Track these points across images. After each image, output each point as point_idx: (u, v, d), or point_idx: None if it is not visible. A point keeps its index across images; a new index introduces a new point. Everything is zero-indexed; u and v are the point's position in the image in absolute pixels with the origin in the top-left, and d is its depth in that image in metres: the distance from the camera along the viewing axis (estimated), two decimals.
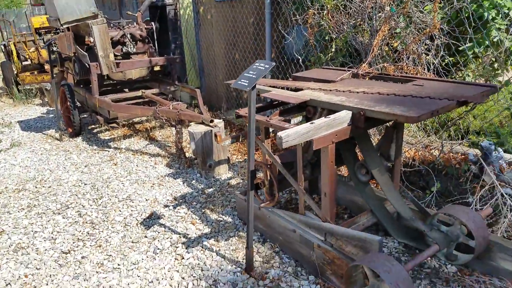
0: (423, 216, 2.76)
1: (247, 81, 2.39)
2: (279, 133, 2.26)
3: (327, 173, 2.54)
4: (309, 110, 2.87)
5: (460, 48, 3.73)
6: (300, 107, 2.97)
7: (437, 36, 3.42)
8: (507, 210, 2.85)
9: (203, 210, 3.77)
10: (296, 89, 3.26)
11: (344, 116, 2.49)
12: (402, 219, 2.81)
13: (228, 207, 3.78)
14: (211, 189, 4.19)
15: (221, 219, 3.59)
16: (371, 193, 2.89)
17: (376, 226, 3.08)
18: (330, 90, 2.94)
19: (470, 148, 3.62)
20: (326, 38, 4.42)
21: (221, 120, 4.53)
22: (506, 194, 2.80)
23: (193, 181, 4.42)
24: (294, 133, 2.29)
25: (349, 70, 3.48)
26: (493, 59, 3.90)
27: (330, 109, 2.74)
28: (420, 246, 2.70)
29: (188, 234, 3.38)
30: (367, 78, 3.30)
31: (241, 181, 4.32)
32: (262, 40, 5.50)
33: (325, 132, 2.42)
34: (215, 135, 3.17)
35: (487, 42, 3.71)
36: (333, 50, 4.17)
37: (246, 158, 4.82)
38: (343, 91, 2.87)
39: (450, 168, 3.33)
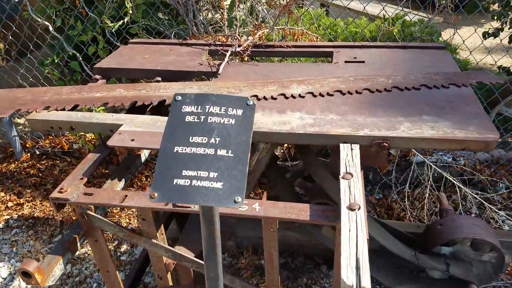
0: (407, 243, 1.99)
1: (217, 174, 0.80)
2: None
3: None
4: None
5: None
6: None
7: None
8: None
9: None
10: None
11: (356, 157, 1.30)
12: (390, 258, 1.97)
13: None
14: None
15: None
16: (333, 236, 1.89)
17: None
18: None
19: None
20: None
21: None
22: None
23: None
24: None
25: (201, 44, 2.09)
26: None
27: (291, 143, 1.47)
28: (423, 286, 1.98)
29: None
30: (246, 57, 2.04)
31: None
32: None
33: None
34: (24, 274, 1.25)
35: None
36: (130, 7, 2.48)
37: None
38: (274, 98, 1.58)
39: None
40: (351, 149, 1.30)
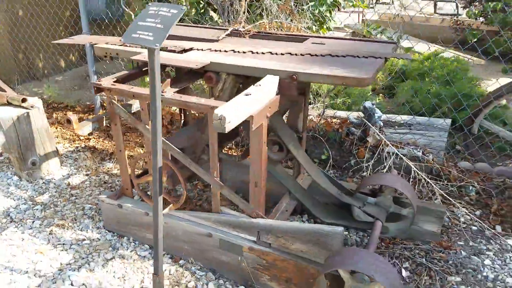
0: (341, 190, 2.54)
1: (151, 34, 1.58)
2: (218, 111, 1.60)
3: (259, 157, 2.01)
4: (210, 77, 2.21)
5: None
6: (195, 73, 2.29)
7: None
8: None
9: (48, 229, 2.65)
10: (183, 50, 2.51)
11: (273, 83, 1.98)
12: (323, 197, 2.54)
13: (84, 218, 2.77)
14: (46, 196, 3.01)
15: (83, 237, 2.59)
16: (285, 173, 2.50)
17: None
18: (226, 51, 2.35)
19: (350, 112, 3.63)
20: None
21: (37, 98, 3.27)
22: (393, 153, 2.87)
23: (11, 188, 3.10)
24: (234, 110, 1.66)
25: (222, 28, 2.92)
26: None
27: (239, 75, 2.18)
28: (349, 223, 2.49)
29: (39, 271, 2.30)
30: (247, 37, 2.82)
31: (86, 177, 3.26)
32: None
33: (260, 106, 1.87)
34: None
35: None
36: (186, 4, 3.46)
37: (80, 146, 3.72)
38: (244, 52, 2.33)
39: (332, 133, 3.25)
40: (273, 78, 1.99)
